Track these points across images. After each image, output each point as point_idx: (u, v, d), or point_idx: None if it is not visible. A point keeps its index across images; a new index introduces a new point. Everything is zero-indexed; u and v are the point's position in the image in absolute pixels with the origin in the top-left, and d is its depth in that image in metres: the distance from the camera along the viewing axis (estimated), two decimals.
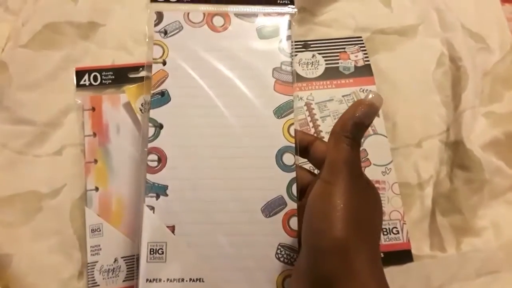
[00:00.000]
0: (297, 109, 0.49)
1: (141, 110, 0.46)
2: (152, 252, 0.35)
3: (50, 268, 0.43)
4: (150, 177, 0.37)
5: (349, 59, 0.51)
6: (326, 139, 0.47)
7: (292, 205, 0.37)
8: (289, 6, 0.43)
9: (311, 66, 0.51)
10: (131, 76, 0.49)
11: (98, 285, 0.42)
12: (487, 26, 0.54)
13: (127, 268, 0.43)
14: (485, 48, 0.53)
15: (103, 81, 0.49)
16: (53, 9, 0.51)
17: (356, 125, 0.30)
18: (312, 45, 0.52)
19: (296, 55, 0.51)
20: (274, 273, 0.35)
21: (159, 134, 0.38)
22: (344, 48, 0.52)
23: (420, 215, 0.47)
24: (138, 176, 0.45)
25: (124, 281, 0.42)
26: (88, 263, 0.43)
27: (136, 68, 0.50)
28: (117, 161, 0.46)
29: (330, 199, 0.29)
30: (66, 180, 0.46)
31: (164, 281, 0.35)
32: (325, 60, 0.51)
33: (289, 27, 0.42)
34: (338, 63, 0.51)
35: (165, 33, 0.41)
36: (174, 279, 0.35)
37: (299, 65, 0.51)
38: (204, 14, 0.42)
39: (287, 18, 0.43)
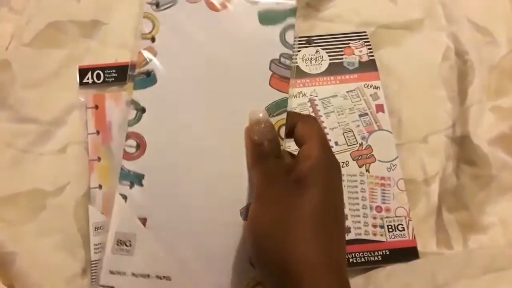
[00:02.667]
0: (301, 106, 0.48)
1: None
2: (119, 243, 0.33)
3: (54, 266, 0.43)
4: (126, 164, 0.35)
5: (354, 54, 0.51)
6: (330, 135, 0.47)
7: None
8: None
9: (315, 62, 0.50)
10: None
11: None
12: (494, 19, 0.53)
13: None
14: (492, 42, 0.52)
15: (106, 79, 0.49)
16: (56, 8, 0.51)
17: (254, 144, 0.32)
18: (315, 41, 0.51)
19: (299, 51, 0.51)
20: (245, 279, 0.33)
21: (140, 118, 0.35)
22: (348, 43, 0.51)
23: (426, 212, 0.46)
24: None
25: None
26: (92, 261, 0.43)
27: None
28: (120, 159, 0.46)
29: (266, 221, 0.29)
30: (70, 178, 0.46)
31: (128, 275, 0.32)
32: (329, 56, 0.51)
33: (294, 14, 0.37)
34: (342, 58, 0.51)
35: (157, 5, 0.37)
36: (139, 274, 0.32)
37: (303, 61, 0.50)
38: None
39: (292, 3, 0.38)
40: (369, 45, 0.51)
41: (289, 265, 0.27)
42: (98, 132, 0.47)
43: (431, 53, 0.52)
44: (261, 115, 0.33)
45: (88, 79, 0.49)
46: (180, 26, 0.36)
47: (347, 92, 0.49)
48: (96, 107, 0.48)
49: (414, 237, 0.44)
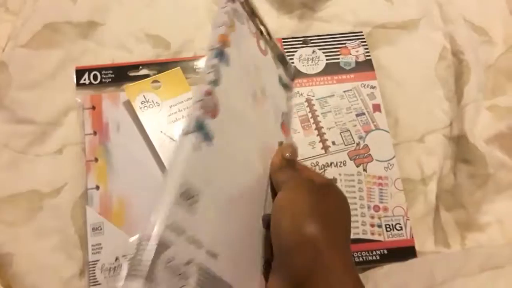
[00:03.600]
0: (298, 106, 0.48)
1: (141, 108, 0.46)
2: (183, 196, 0.27)
3: (52, 267, 0.43)
4: (204, 117, 0.31)
5: (350, 54, 0.51)
6: (327, 135, 0.47)
7: None
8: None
9: (312, 62, 0.50)
10: (131, 74, 0.49)
11: (100, 284, 0.42)
12: (490, 19, 0.53)
13: None
14: (488, 41, 0.52)
15: (103, 80, 0.49)
16: (52, 9, 0.51)
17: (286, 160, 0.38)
18: (312, 41, 0.51)
19: (296, 51, 0.51)
20: None
21: (216, 85, 0.33)
22: (345, 43, 0.51)
23: (423, 211, 0.46)
24: (139, 173, 0.45)
25: None
26: (89, 262, 0.42)
27: (136, 66, 0.49)
28: (118, 159, 0.46)
29: (294, 202, 0.33)
30: (67, 179, 0.46)
31: (185, 238, 0.27)
32: (326, 56, 0.51)
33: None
34: (339, 58, 0.51)
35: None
36: (195, 240, 0.27)
37: (299, 61, 0.50)
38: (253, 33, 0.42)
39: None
40: (366, 45, 0.51)
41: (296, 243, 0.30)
42: (95, 133, 0.47)
43: (427, 53, 0.52)
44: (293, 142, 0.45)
45: (85, 80, 0.49)
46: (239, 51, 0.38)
47: (344, 92, 0.49)
48: (93, 107, 0.47)
49: (412, 236, 0.44)
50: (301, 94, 0.49)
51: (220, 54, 0.34)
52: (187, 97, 0.48)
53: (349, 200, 0.44)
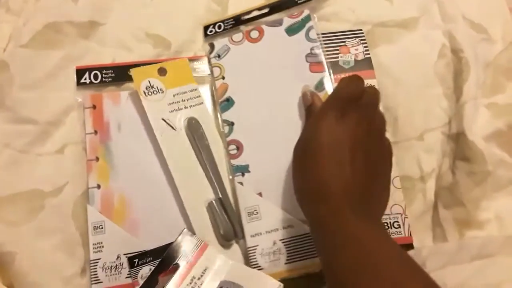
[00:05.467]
0: None
1: (145, 92, 0.46)
2: (249, 215, 0.45)
3: (53, 265, 0.44)
4: (233, 161, 0.47)
5: (349, 52, 0.51)
6: None
7: None
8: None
9: None
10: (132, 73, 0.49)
11: (101, 282, 0.42)
12: (489, 16, 0.53)
13: (130, 265, 0.43)
14: (487, 39, 0.52)
15: (104, 79, 0.49)
16: (53, 8, 0.52)
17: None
18: None
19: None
20: None
21: (232, 130, 0.48)
22: (344, 42, 0.52)
23: (422, 209, 0.47)
24: (140, 172, 0.46)
25: (126, 277, 0.43)
26: (91, 260, 0.43)
27: (136, 65, 0.50)
28: (119, 158, 0.46)
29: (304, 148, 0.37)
30: (68, 178, 0.46)
31: (263, 233, 0.45)
32: (325, 54, 0.51)
33: (310, 19, 0.51)
34: (338, 57, 0.51)
35: (219, 56, 0.51)
36: (271, 230, 0.45)
37: None
38: (243, 32, 0.51)
39: (307, 12, 0.51)
40: (365, 43, 0.51)
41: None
42: (96, 132, 0.47)
43: (427, 51, 0.52)
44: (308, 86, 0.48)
45: (85, 79, 0.49)
46: (237, 63, 0.51)
47: None
48: (94, 107, 0.48)
49: (410, 234, 0.44)
50: None
51: (226, 105, 0.49)
52: (191, 88, 0.48)
53: None
